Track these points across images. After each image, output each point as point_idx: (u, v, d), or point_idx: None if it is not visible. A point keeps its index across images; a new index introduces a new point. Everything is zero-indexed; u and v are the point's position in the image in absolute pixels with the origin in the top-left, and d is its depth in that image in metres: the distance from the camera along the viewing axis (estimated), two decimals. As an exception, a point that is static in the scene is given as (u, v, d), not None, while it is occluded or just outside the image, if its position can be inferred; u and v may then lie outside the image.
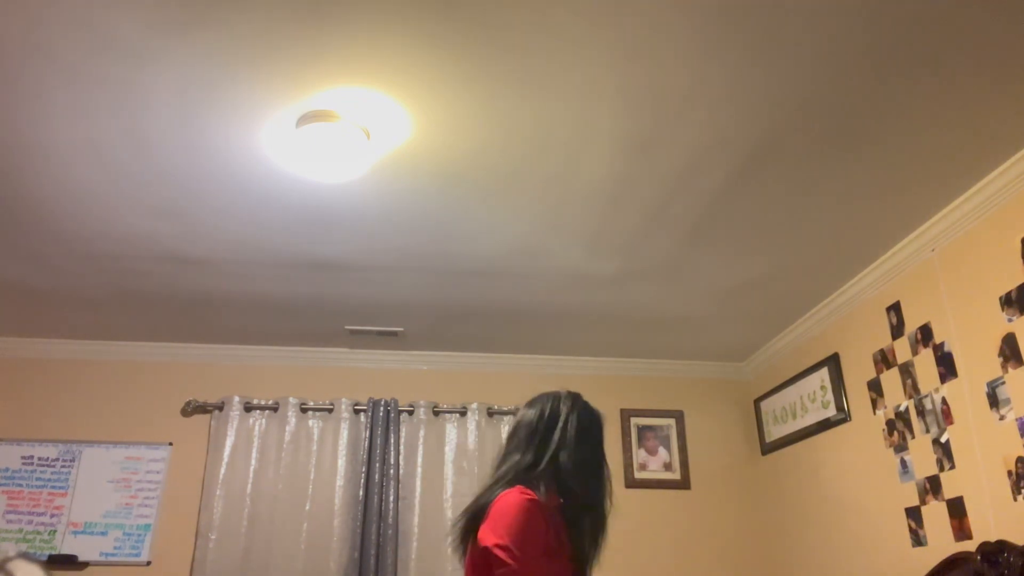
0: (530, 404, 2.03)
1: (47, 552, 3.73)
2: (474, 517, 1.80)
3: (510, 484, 1.82)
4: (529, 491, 1.79)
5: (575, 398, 2.03)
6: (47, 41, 1.94)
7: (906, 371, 3.03)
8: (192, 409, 4.08)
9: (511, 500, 1.76)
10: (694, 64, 2.03)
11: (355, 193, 2.67)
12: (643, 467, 4.22)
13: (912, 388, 2.99)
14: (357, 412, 4.09)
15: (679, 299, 3.57)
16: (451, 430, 4.11)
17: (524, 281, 3.37)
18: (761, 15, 1.86)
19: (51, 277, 3.35)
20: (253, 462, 3.93)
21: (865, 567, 3.26)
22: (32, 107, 2.20)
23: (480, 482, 3.96)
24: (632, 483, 4.16)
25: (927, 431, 2.89)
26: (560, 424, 1.93)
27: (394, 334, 3.99)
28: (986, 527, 2.56)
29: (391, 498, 3.86)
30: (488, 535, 1.70)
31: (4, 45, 1.95)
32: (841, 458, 3.49)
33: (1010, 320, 2.48)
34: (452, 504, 3.92)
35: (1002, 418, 2.50)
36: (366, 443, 3.97)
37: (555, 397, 2.01)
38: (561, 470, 1.87)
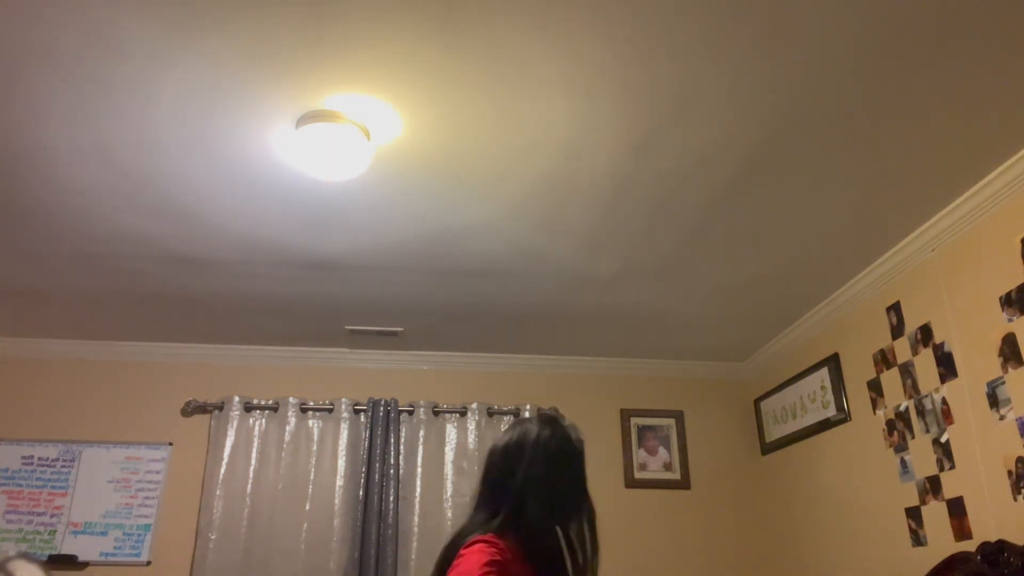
0: (504, 434, 1.66)
1: (47, 552, 3.73)
2: (444, 561, 1.50)
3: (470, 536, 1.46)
4: (491, 546, 1.39)
5: (552, 423, 1.59)
6: (51, 43, 1.94)
7: (906, 371, 3.03)
8: (192, 409, 4.08)
9: (471, 562, 1.35)
10: (694, 64, 2.03)
11: (356, 193, 2.67)
12: (643, 467, 4.22)
13: (912, 388, 2.99)
14: (357, 412, 4.09)
15: (679, 299, 3.57)
16: (451, 430, 4.10)
17: (524, 281, 3.37)
18: (760, 17, 1.86)
19: (51, 277, 3.34)
20: (253, 462, 3.93)
21: (865, 567, 3.26)
22: (36, 108, 2.20)
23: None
24: (632, 483, 4.16)
25: (927, 431, 2.89)
26: (526, 461, 1.50)
27: (394, 334, 3.99)
28: (986, 527, 2.56)
29: (391, 498, 3.86)
30: None
31: (8, 46, 1.95)
32: (841, 458, 3.49)
33: (1010, 320, 2.48)
34: (452, 504, 3.91)
35: (1002, 418, 2.50)
36: (366, 443, 3.97)
37: (524, 428, 1.60)
38: (525, 524, 1.45)
